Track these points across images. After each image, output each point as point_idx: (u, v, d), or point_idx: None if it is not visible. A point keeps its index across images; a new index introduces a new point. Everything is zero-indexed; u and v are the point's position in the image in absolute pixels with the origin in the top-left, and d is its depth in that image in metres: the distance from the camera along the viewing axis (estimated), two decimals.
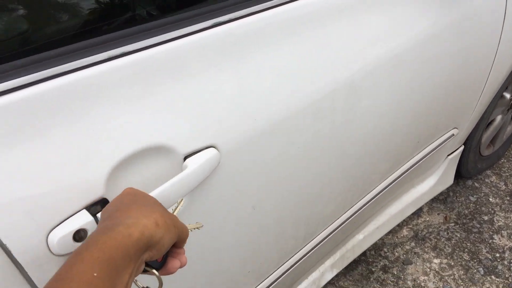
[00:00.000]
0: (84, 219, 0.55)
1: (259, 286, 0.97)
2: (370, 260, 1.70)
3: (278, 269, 1.01)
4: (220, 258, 0.82)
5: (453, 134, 1.37)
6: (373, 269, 1.67)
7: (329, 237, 1.11)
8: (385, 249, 1.74)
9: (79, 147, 0.56)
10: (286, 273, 1.03)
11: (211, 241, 0.78)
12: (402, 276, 1.64)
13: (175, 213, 0.58)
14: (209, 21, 0.66)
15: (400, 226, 1.81)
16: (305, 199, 0.93)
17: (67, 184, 0.55)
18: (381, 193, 1.21)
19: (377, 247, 1.74)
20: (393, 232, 1.79)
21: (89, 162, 0.56)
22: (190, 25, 0.65)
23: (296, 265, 1.05)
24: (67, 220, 0.55)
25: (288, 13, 0.75)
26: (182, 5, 0.70)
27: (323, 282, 1.40)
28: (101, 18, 0.67)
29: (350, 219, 1.15)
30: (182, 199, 0.63)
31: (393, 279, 1.63)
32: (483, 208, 1.83)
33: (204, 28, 0.66)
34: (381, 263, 1.69)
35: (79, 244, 0.55)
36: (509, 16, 1.20)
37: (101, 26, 0.67)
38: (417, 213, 1.86)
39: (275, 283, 1.01)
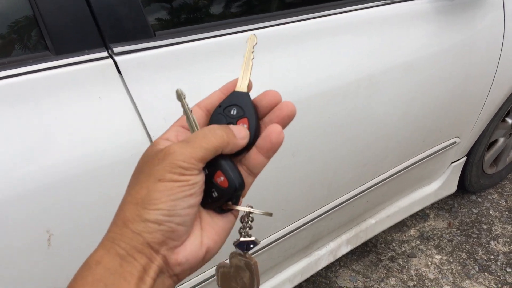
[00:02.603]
0: None
1: (287, 227, 1.28)
2: (380, 251, 1.98)
3: (304, 217, 1.32)
4: (261, 191, 1.15)
5: (455, 142, 1.67)
6: (381, 258, 1.94)
7: (345, 204, 1.41)
8: (394, 244, 2.01)
9: None
10: (310, 223, 1.34)
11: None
12: (406, 266, 1.90)
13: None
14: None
15: (408, 226, 2.08)
16: (329, 163, 1.25)
17: None
18: (389, 179, 1.51)
19: (387, 242, 2.02)
20: (402, 231, 2.06)
21: None
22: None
23: (318, 219, 1.35)
24: None
25: (332, 22, 1.10)
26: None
27: (339, 254, 1.68)
28: None
29: (362, 194, 1.46)
30: None
31: (398, 268, 1.90)
32: (483, 219, 2.09)
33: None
34: (389, 254, 1.96)
35: None
36: (506, 50, 1.52)
37: None
38: (424, 218, 2.13)
39: (299, 229, 1.32)
